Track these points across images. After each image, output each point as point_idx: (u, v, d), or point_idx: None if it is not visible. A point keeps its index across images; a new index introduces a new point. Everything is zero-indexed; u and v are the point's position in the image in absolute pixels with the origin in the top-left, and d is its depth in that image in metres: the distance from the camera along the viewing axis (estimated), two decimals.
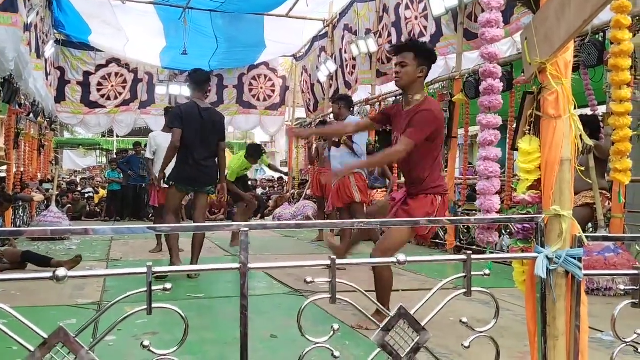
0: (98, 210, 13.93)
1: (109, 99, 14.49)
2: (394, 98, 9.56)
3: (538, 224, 1.97)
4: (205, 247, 7.49)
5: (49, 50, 11.69)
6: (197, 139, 5.37)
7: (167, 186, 5.76)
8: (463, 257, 1.87)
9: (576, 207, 3.71)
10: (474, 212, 7.03)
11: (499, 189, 2.43)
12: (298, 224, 2.16)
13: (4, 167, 8.89)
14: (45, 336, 1.50)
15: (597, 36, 5.42)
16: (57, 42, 13.13)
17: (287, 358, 2.93)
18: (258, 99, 15.65)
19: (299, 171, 14.82)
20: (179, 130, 5.32)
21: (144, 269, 1.61)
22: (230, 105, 15.37)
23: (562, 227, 1.93)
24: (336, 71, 12.09)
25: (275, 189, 17.21)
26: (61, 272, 1.52)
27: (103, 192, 14.66)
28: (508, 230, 6.23)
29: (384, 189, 9.37)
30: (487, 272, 1.88)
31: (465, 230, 7.38)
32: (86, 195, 14.66)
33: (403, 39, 9.23)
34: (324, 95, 12.99)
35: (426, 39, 8.63)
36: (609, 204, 5.18)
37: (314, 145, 9.83)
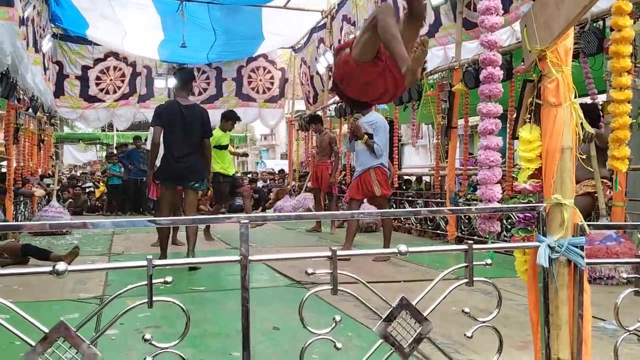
0: (99, 205, 13.94)
1: (107, 93, 14.44)
2: None
3: (539, 213, 1.97)
4: (206, 241, 7.56)
5: (47, 44, 11.64)
6: (178, 136, 5.47)
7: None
8: (464, 247, 1.86)
9: (577, 196, 3.70)
10: (475, 202, 7.03)
11: (500, 178, 2.41)
12: (298, 216, 2.15)
13: (4, 163, 8.87)
14: (46, 330, 1.50)
15: (596, 24, 5.39)
16: (54, 36, 13.07)
17: (289, 350, 2.94)
18: (257, 92, 15.59)
19: (299, 163, 14.81)
20: (159, 128, 5.47)
21: (145, 262, 1.60)
22: (229, 98, 15.33)
23: (563, 215, 1.92)
24: None
25: (276, 181, 17.21)
26: (61, 266, 1.52)
27: (103, 188, 14.61)
28: (509, 220, 6.23)
29: None
30: (489, 261, 1.88)
31: (467, 221, 7.38)
32: (87, 190, 14.66)
33: None
34: (324, 87, 12.95)
35: (425, 28, 8.59)
36: (610, 192, 5.17)
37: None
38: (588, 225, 1.95)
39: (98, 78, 14.29)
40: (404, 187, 11.39)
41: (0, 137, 11.69)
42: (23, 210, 9.52)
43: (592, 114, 5.36)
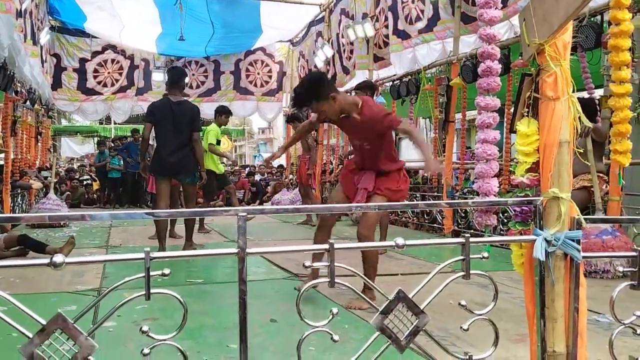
0: (96, 197, 13.93)
1: (105, 85, 14.41)
2: (390, 83, 9.53)
3: (536, 206, 1.97)
4: (204, 234, 7.57)
5: (45, 37, 11.59)
6: (168, 131, 5.75)
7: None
8: (461, 240, 1.87)
9: (574, 190, 3.71)
10: (471, 196, 7.05)
11: (497, 172, 2.42)
12: (296, 209, 2.15)
13: (2, 155, 8.85)
14: (44, 322, 1.50)
15: (594, 18, 5.39)
16: (52, 28, 13.02)
17: (286, 342, 2.94)
18: (255, 85, 15.56)
19: (297, 157, 14.78)
20: (149, 125, 5.86)
21: (142, 255, 1.60)
22: (227, 92, 15.31)
23: (560, 209, 1.92)
24: (333, 56, 12.03)
25: (274, 175, 17.20)
26: (59, 258, 1.52)
27: (96, 184, 14.57)
28: (506, 214, 6.24)
29: None
30: (486, 255, 1.88)
31: (463, 215, 7.40)
32: (84, 183, 14.64)
33: (400, 23, 9.19)
34: None
35: (423, 22, 8.58)
36: (606, 187, 5.18)
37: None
38: (584, 219, 1.95)
39: (96, 71, 14.26)
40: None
41: None
42: (20, 202, 9.51)
43: (589, 108, 5.35)
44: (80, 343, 1.52)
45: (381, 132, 3.80)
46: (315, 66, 13.16)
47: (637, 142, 5.31)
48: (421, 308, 1.77)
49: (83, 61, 14.10)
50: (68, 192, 13.01)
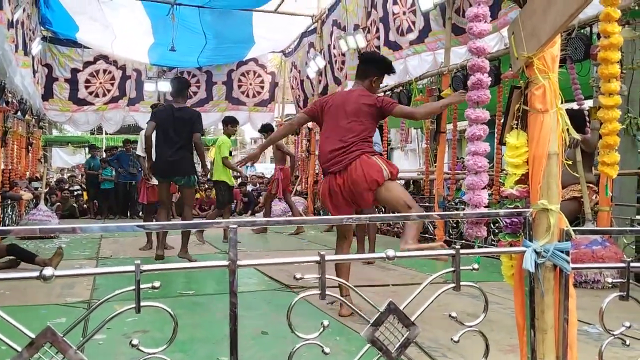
0: (87, 208, 13.84)
1: (97, 96, 14.37)
2: (382, 94, 9.56)
3: (526, 218, 1.99)
4: (197, 244, 7.54)
5: (36, 47, 11.57)
6: (168, 135, 6.09)
7: (156, 182, 6.57)
8: (452, 251, 1.87)
9: (563, 201, 3.73)
10: (462, 207, 7.07)
11: (488, 184, 2.43)
12: (288, 220, 2.16)
13: None
14: (33, 336, 1.49)
15: (583, 30, 5.44)
16: (44, 39, 12.98)
17: (277, 355, 2.93)
18: (247, 95, 15.58)
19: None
20: (152, 123, 6.19)
21: (132, 267, 1.60)
22: (219, 102, 15.31)
23: (549, 221, 1.94)
24: (325, 67, 12.08)
25: (266, 185, 17.17)
26: (48, 271, 1.51)
27: (85, 196, 14.50)
28: (497, 225, 6.26)
29: None
30: (476, 266, 1.89)
31: (454, 225, 7.41)
32: (75, 193, 14.56)
33: (391, 35, 9.24)
34: (314, 91, 12.96)
35: (414, 34, 8.63)
36: (596, 197, 5.22)
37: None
38: (574, 230, 1.97)
39: (87, 81, 14.22)
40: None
41: None
42: (10, 213, 9.44)
43: (579, 119, 5.38)
44: (70, 357, 1.51)
45: (376, 113, 3.81)
46: (308, 77, 13.21)
47: (626, 153, 5.36)
48: (412, 320, 1.77)
49: (75, 71, 14.07)
50: (58, 203, 12.93)
